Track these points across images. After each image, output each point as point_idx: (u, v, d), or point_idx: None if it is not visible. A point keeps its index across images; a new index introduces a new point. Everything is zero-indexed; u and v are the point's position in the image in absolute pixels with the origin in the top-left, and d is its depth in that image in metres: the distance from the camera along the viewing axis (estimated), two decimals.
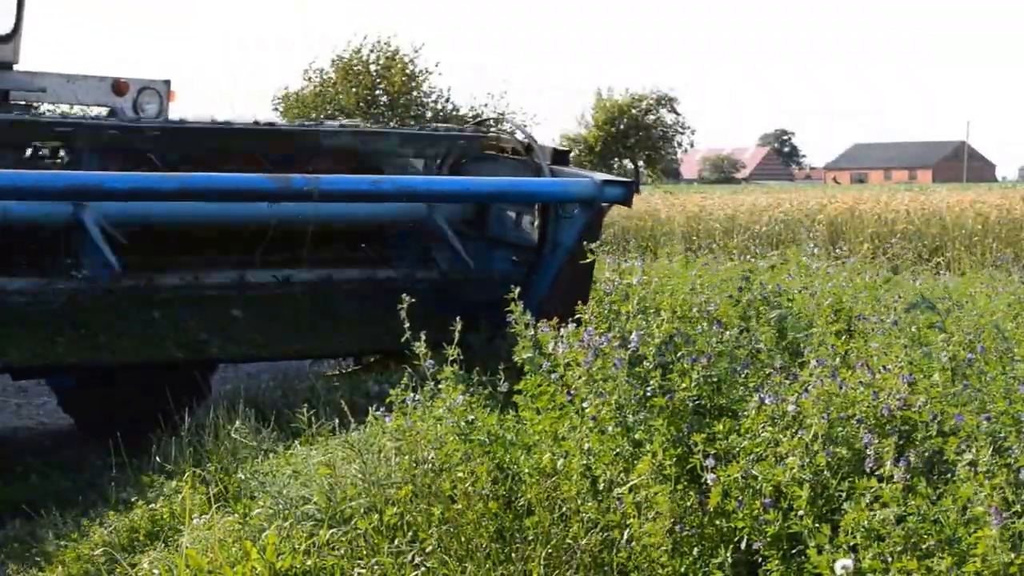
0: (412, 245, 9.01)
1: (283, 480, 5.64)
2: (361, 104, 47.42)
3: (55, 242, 7.80)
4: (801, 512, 4.25)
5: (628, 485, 4.72)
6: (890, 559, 3.98)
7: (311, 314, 8.30)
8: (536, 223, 8.67)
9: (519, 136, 9.03)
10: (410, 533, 5.04)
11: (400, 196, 8.25)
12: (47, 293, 7.61)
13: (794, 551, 4.29)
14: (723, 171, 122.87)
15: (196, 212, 8.02)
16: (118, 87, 10.95)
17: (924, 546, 3.99)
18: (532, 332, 5.34)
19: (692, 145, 63.90)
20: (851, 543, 4.06)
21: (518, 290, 5.50)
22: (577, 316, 5.42)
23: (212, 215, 8.14)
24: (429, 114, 48.64)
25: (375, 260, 8.81)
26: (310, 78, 48.04)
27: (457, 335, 5.54)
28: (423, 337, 5.59)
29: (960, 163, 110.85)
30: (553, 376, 5.19)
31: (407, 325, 5.75)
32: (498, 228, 9.00)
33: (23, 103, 10.75)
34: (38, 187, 7.10)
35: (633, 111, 58.55)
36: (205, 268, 8.19)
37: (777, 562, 4.29)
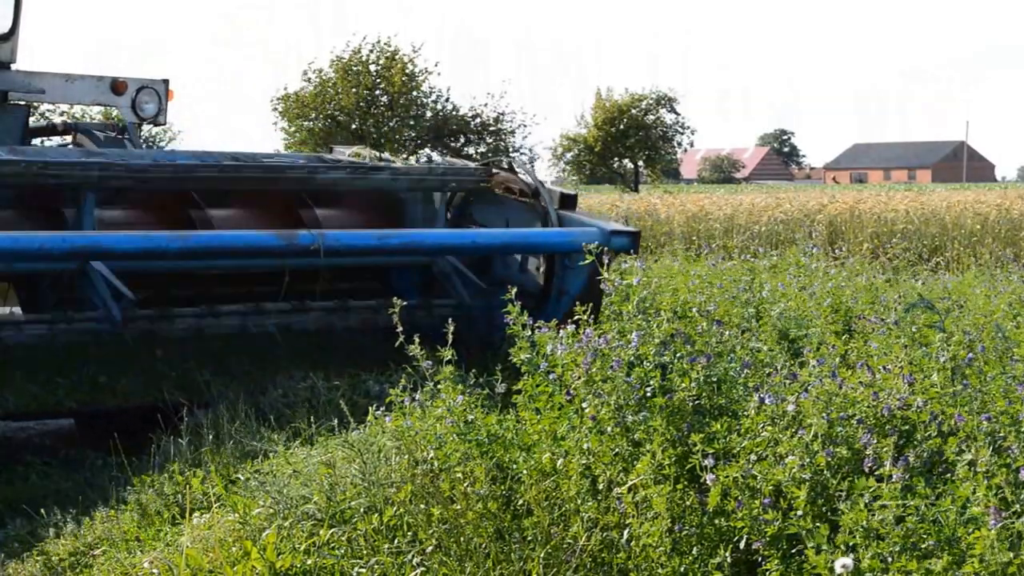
0: (417, 284, 8.94)
1: (283, 480, 5.64)
2: (361, 104, 47.46)
3: (59, 286, 7.81)
4: (800, 512, 4.26)
5: (627, 485, 4.72)
6: (889, 559, 3.99)
7: (313, 355, 8.26)
8: (542, 268, 8.65)
9: (527, 179, 9.01)
10: (410, 533, 5.04)
11: (407, 251, 8.23)
12: (49, 336, 7.62)
13: (793, 551, 4.29)
14: (723, 171, 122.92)
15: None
16: (116, 87, 10.97)
17: (923, 546, 4.00)
18: (529, 333, 5.35)
19: (692, 145, 64.01)
20: (850, 543, 4.06)
21: (514, 290, 5.51)
22: (576, 318, 5.42)
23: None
24: (429, 113, 48.71)
25: (374, 301, 8.71)
26: (309, 79, 48.09)
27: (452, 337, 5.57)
28: (417, 339, 5.62)
29: (959, 163, 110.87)
30: (551, 376, 5.20)
31: (401, 329, 5.78)
32: (503, 271, 8.96)
33: (22, 103, 10.77)
34: (43, 250, 7.16)
35: (633, 111, 58.59)
36: (210, 310, 8.19)
37: (776, 562, 4.29)
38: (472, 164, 9.61)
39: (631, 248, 8.36)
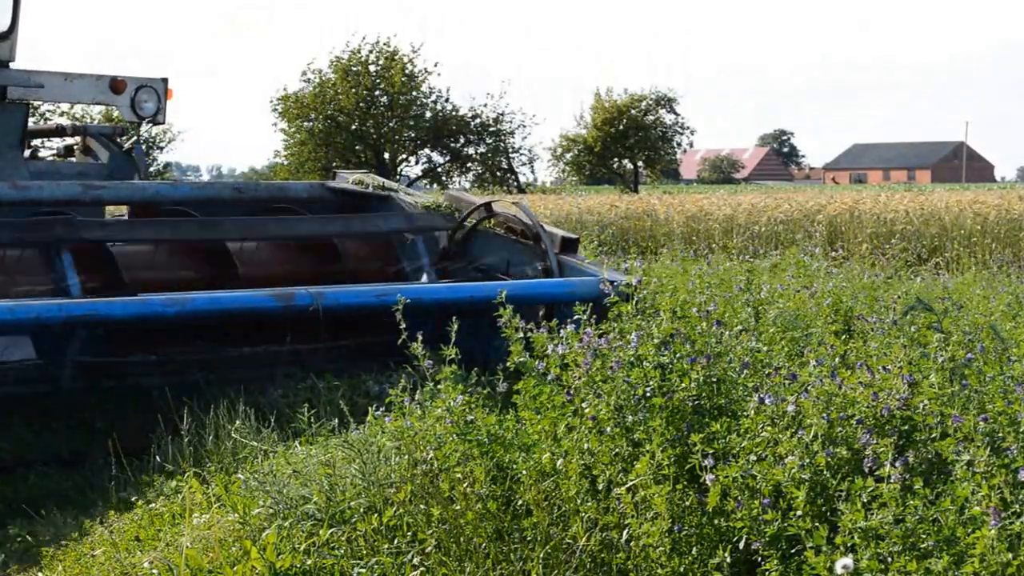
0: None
1: (283, 480, 5.64)
2: (361, 105, 47.45)
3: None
4: (800, 512, 4.26)
5: (627, 485, 4.72)
6: (889, 559, 3.99)
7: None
8: (541, 312, 8.67)
9: (528, 221, 9.02)
10: (410, 533, 5.05)
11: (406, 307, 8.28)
12: (47, 383, 7.64)
13: (793, 551, 4.29)
14: (722, 171, 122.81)
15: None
16: (115, 85, 10.97)
17: (922, 546, 4.00)
18: (524, 335, 5.35)
19: (691, 145, 63.88)
20: (849, 543, 4.07)
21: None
22: (576, 317, 5.42)
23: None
24: (428, 114, 48.69)
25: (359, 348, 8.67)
26: (308, 79, 48.07)
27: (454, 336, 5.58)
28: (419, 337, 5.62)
29: (959, 163, 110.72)
30: (550, 377, 5.20)
31: (403, 326, 5.78)
32: None
33: (21, 102, 10.77)
34: (40, 320, 7.23)
35: (632, 111, 58.52)
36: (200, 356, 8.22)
37: (776, 562, 4.30)
38: (477, 200, 9.62)
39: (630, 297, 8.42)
